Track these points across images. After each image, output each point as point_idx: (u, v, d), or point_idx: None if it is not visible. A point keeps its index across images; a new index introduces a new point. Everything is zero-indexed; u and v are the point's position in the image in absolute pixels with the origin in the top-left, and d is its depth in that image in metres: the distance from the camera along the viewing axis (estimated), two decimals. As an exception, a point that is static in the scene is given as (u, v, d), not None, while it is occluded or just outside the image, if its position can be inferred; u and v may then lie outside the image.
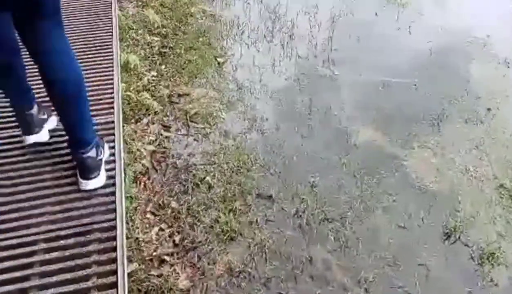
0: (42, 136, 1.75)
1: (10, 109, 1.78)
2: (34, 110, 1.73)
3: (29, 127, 1.72)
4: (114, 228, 1.49)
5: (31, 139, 1.73)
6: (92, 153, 1.57)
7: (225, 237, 1.75)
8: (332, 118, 2.44)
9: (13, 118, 1.79)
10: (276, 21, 3.38)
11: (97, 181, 1.59)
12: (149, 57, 2.84)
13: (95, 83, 2.20)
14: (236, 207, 1.86)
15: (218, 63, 2.87)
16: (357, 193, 1.97)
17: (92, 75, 2.26)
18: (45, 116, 1.79)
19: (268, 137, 2.31)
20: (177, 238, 1.73)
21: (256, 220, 1.82)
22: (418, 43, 3.18)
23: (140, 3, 3.49)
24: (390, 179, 2.07)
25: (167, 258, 1.65)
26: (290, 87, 2.73)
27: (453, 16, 3.45)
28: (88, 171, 1.57)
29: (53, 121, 1.79)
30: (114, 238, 1.48)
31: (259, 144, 2.26)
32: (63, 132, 1.69)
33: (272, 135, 2.33)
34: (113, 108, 1.92)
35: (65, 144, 1.71)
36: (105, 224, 1.51)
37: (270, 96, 2.62)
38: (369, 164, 2.13)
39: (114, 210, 1.52)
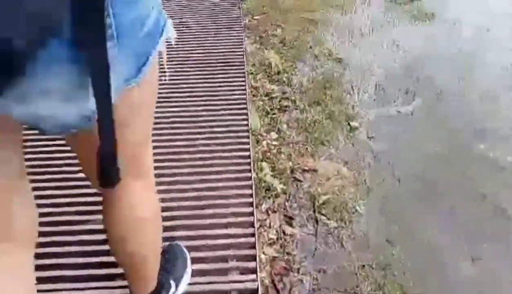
0: None
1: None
2: None
3: None
4: None
5: None
6: None
7: None
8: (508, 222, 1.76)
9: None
10: (418, 72, 2.74)
11: None
12: (268, 113, 2.35)
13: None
14: None
15: (350, 128, 2.31)
16: None
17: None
18: None
19: (423, 253, 1.64)
20: None
21: None
22: None
23: (258, 38, 3.04)
24: None
25: None
26: (441, 167, 2.04)
27: None
28: None
29: None
30: None
31: (411, 269, 1.59)
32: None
33: (428, 251, 1.65)
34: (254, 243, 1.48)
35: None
36: None
37: (419, 180, 2.00)
38: None
39: None
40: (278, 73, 2.68)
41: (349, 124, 2.27)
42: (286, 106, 2.41)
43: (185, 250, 1.43)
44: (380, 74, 2.70)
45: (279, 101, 2.45)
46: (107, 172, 0.72)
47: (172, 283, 1.27)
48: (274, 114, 2.33)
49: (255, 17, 3.28)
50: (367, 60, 2.84)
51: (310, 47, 2.96)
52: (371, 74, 2.69)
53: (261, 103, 2.39)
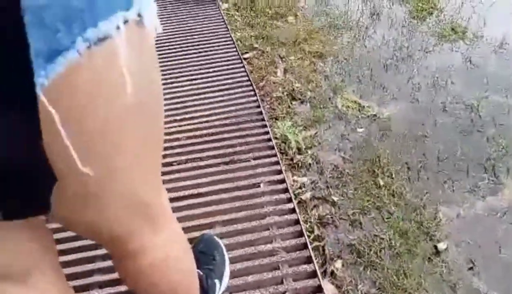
0: None
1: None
2: None
3: None
4: None
5: None
6: None
7: None
8: None
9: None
10: (486, 126, 1.93)
11: None
12: (307, 236, 1.49)
13: None
14: None
15: (437, 251, 1.50)
16: None
17: None
18: None
19: None
20: None
21: None
22: None
23: (257, 90, 2.14)
24: None
25: None
26: None
27: None
28: None
29: None
30: None
31: None
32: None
33: None
34: None
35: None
36: None
37: None
38: None
39: None
40: (299, 150, 1.81)
41: (435, 246, 1.46)
42: (327, 217, 1.55)
43: (218, 240, 1.31)
44: (434, 136, 1.89)
45: (314, 206, 1.59)
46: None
47: (217, 281, 1.18)
48: (315, 236, 1.47)
49: (245, 55, 2.36)
50: (409, 113, 2.00)
51: (329, 99, 2.10)
52: (423, 139, 1.88)
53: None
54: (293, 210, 1.46)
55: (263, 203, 1.48)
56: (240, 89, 2.02)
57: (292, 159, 1.74)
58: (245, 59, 2.30)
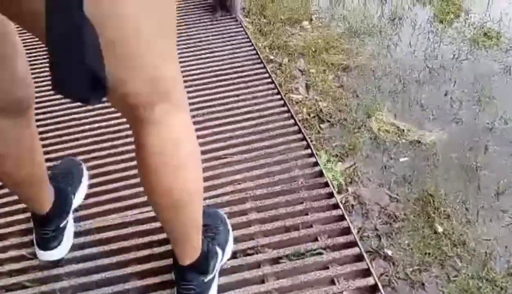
0: None
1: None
2: None
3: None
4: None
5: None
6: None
7: None
8: None
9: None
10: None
11: None
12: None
13: None
14: None
15: None
16: None
17: None
18: None
19: None
20: None
21: None
22: None
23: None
24: None
25: None
26: None
27: None
28: None
29: None
30: None
31: None
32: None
33: None
34: None
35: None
36: None
37: None
38: None
39: None
40: (338, 188, 1.54)
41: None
42: (382, 277, 1.30)
43: (222, 213, 1.22)
44: (487, 164, 1.62)
45: (372, 258, 1.33)
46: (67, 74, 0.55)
47: (219, 250, 1.08)
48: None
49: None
50: (454, 137, 1.72)
51: (362, 121, 1.83)
52: (475, 168, 1.61)
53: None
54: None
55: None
56: (291, 145, 1.50)
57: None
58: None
